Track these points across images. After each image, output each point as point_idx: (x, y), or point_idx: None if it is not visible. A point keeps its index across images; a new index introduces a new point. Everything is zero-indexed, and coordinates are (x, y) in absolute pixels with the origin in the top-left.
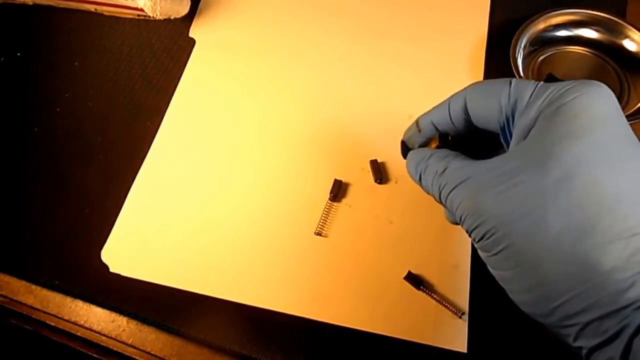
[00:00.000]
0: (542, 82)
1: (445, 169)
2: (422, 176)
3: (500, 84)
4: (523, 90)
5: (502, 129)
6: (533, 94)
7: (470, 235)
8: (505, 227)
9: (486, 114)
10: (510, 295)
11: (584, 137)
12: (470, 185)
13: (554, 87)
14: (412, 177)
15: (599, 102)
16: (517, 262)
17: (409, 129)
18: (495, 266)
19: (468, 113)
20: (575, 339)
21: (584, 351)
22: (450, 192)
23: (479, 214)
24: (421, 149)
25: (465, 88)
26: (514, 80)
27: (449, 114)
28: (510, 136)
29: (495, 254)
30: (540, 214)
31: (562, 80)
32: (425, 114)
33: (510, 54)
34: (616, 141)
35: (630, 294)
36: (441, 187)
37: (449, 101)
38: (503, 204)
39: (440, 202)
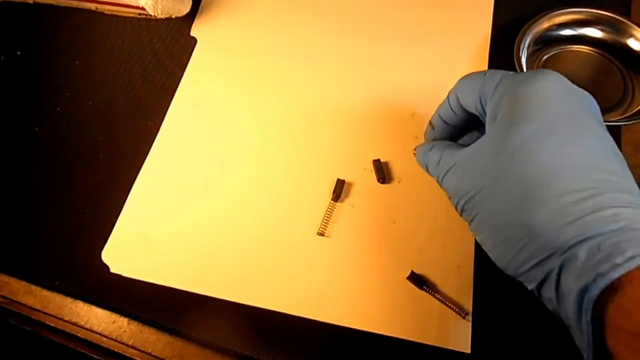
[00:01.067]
0: (507, 72)
1: (440, 159)
2: (428, 167)
3: (479, 75)
4: (492, 80)
5: (481, 114)
6: (499, 84)
7: (456, 210)
8: (472, 200)
9: (470, 102)
10: (489, 255)
11: (530, 119)
12: (454, 171)
13: (513, 78)
14: (422, 168)
15: (546, 87)
16: (484, 228)
17: (426, 129)
18: (473, 232)
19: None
20: (528, 284)
21: (535, 292)
22: (443, 179)
23: (457, 192)
24: (426, 143)
25: (458, 81)
26: (488, 71)
27: (450, 106)
28: None
29: (470, 222)
30: (494, 187)
31: None
32: (435, 113)
33: (514, 53)
34: (559, 120)
35: (554, 243)
36: (438, 175)
37: (448, 96)
38: (471, 182)
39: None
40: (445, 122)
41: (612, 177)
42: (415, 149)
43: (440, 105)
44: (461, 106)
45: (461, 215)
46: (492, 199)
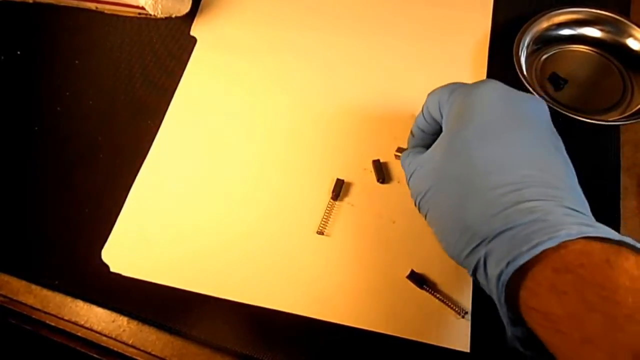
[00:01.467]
0: (462, 83)
1: (409, 163)
2: (406, 172)
3: (442, 87)
4: (448, 90)
5: (440, 122)
6: (452, 94)
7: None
8: (425, 198)
9: (434, 111)
10: (441, 245)
11: (469, 124)
12: (415, 173)
13: (462, 87)
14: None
15: (484, 94)
16: (434, 222)
17: (408, 137)
18: (429, 226)
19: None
20: (468, 271)
21: (473, 278)
22: (409, 181)
23: (415, 191)
24: (407, 150)
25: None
26: (449, 84)
27: (424, 117)
28: None
29: (425, 218)
30: (440, 185)
31: (565, 80)
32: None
33: (513, 53)
34: (493, 123)
35: (481, 234)
36: (407, 177)
37: (423, 106)
38: (424, 182)
39: None
40: (422, 131)
41: (540, 172)
42: (400, 154)
43: (417, 115)
44: (434, 119)
45: (419, 212)
46: (438, 195)
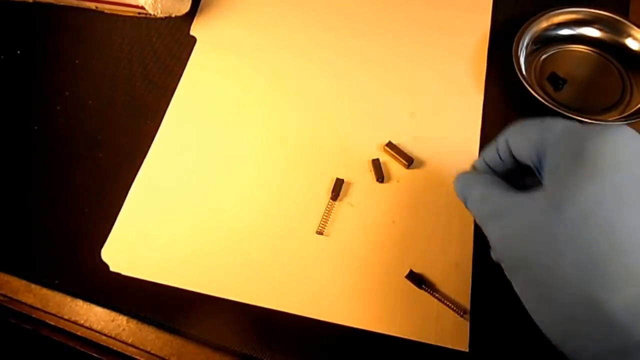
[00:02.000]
0: (570, 123)
1: (483, 197)
2: (467, 200)
3: (536, 123)
4: (553, 131)
5: (536, 167)
6: (561, 136)
7: (497, 262)
8: (523, 262)
9: (524, 152)
10: (540, 327)
11: (600, 179)
12: (501, 219)
13: (578, 131)
14: (459, 198)
15: (619, 145)
16: (535, 297)
17: (466, 172)
18: (519, 293)
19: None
20: None
21: None
22: (487, 223)
23: (503, 246)
24: (468, 173)
25: (508, 128)
26: (546, 120)
27: (498, 154)
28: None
29: (516, 286)
30: (552, 253)
31: (564, 80)
32: (479, 157)
33: (512, 53)
34: (634, 184)
35: (633, 338)
36: (479, 215)
37: (497, 141)
38: (521, 240)
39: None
40: (490, 167)
41: None
42: (390, 149)
43: (486, 149)
44: (511, 155)
45: (504, 270)
46: (548, 264)
